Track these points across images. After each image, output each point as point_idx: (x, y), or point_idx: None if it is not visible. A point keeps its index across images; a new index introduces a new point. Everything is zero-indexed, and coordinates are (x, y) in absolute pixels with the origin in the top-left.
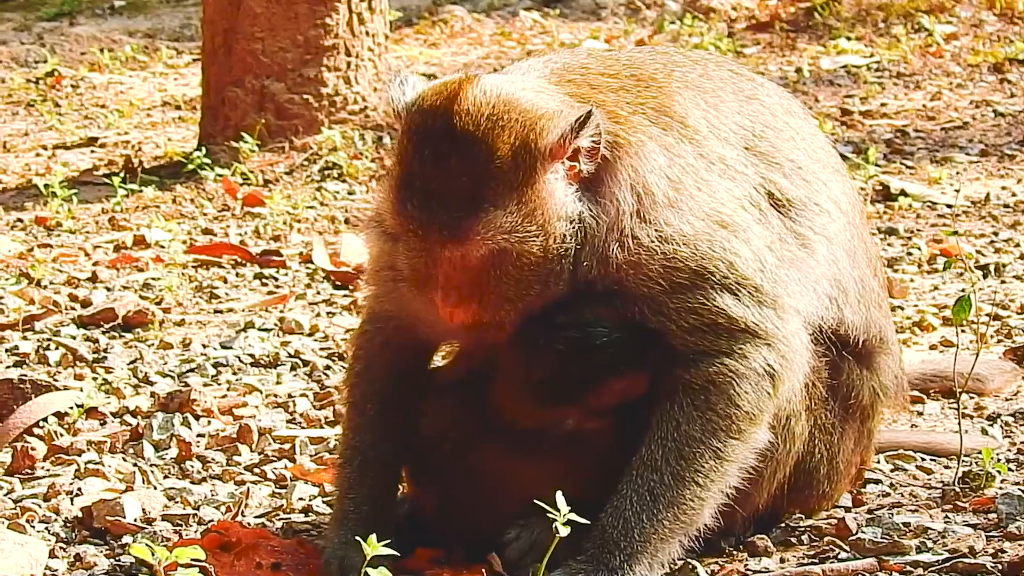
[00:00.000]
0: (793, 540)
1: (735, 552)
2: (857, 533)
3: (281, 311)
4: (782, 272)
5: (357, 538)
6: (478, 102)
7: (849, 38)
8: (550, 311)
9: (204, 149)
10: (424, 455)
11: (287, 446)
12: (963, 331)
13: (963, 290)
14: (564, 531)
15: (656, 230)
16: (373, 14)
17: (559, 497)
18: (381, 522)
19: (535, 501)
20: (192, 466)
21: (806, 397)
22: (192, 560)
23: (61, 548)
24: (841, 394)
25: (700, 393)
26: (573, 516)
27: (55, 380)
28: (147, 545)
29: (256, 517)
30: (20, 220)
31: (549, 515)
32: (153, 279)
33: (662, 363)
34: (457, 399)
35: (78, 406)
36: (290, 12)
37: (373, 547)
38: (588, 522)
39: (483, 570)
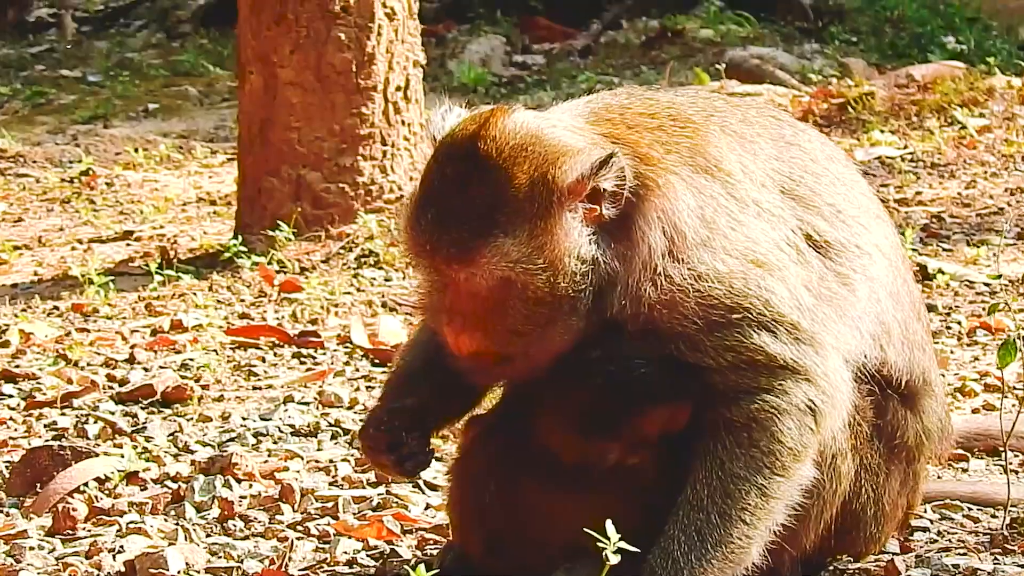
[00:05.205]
0: None
1: None
2: (906, 574)
3: (320, 386)
4: (820, 310)
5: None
6: (506, 131)
7: (883, 131)
8: (584, 346)
9: (240, 238)
10: (470, 494)
11: (330, 504)
12: (1006, 397)
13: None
14: (615, 559)
15: (689, 269)
16: (409, 103)
17: (609, 526)
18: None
19: (584, 535)
20: (235, 525)
21: (851, 436)
22: None
23: None
24: (886, 434)
25: (743, 431)
26: (623, 544)
27: (94, 449)
28: None
29: (300, 571)
30: (56, 308)
31: (598, 547)
32: (190, 360)
33: (702, 400)
34: (502, 438)
35: (118, 471)
36: (326, 102)
37: None
38: (636, 556)
39: None
